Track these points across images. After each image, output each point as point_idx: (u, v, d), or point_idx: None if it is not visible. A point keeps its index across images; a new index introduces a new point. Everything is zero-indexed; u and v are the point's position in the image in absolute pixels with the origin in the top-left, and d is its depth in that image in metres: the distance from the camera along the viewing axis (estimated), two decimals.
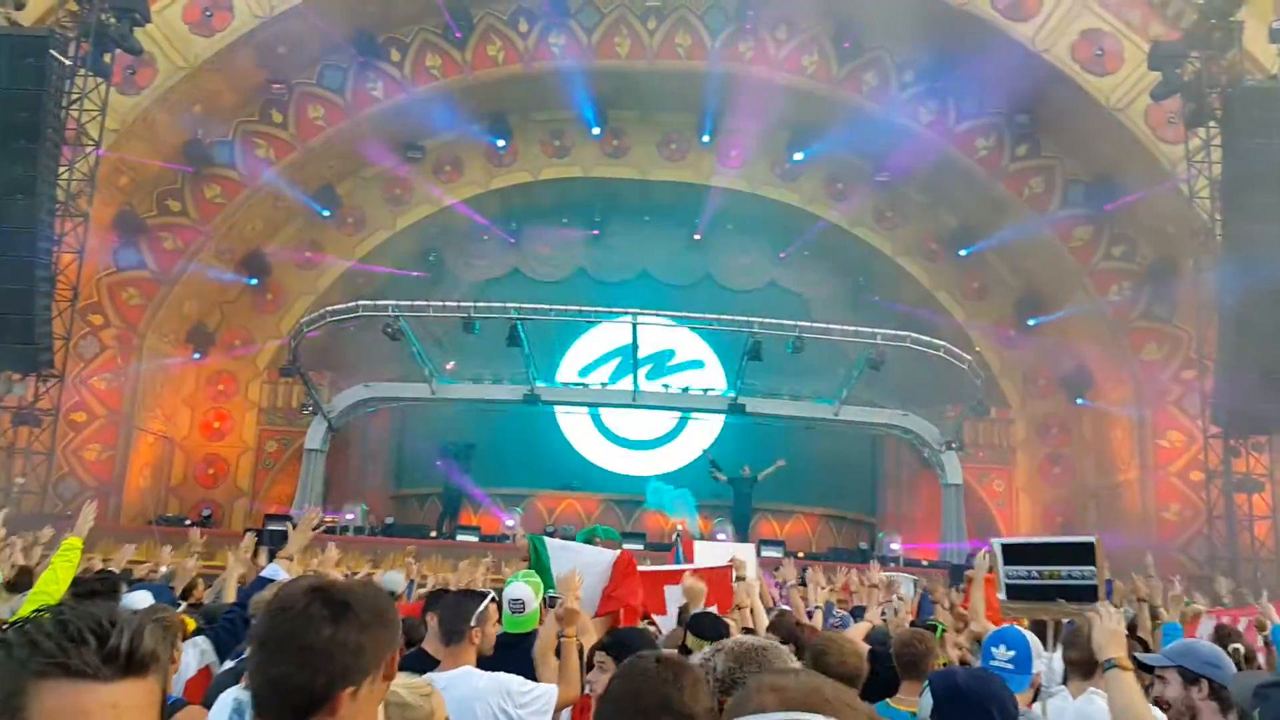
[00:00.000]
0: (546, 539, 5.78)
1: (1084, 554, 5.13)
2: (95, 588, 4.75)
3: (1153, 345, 18.29)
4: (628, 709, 1.81)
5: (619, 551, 5.57)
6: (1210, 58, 15.33)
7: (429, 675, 3.34)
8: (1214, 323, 15.55)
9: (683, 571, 6.46)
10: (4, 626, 1.23)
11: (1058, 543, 5.48)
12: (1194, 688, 3.04)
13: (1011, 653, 3.40)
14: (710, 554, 8.76)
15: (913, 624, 5.99)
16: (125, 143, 17.26)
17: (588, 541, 10.71)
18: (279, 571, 4.45)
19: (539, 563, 5.52)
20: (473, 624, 3.59)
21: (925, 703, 2.66)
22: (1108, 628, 3.01)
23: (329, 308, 17.76)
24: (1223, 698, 2.90)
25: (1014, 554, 5.36)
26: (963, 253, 19.87)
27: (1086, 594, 4.91)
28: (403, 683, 2.42)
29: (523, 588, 4.41)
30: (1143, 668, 3.25)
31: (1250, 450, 16.05)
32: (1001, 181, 18.50)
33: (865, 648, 4.20)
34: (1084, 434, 20.01)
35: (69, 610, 1.19)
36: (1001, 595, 5.37)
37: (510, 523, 18.12)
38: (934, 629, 4.68)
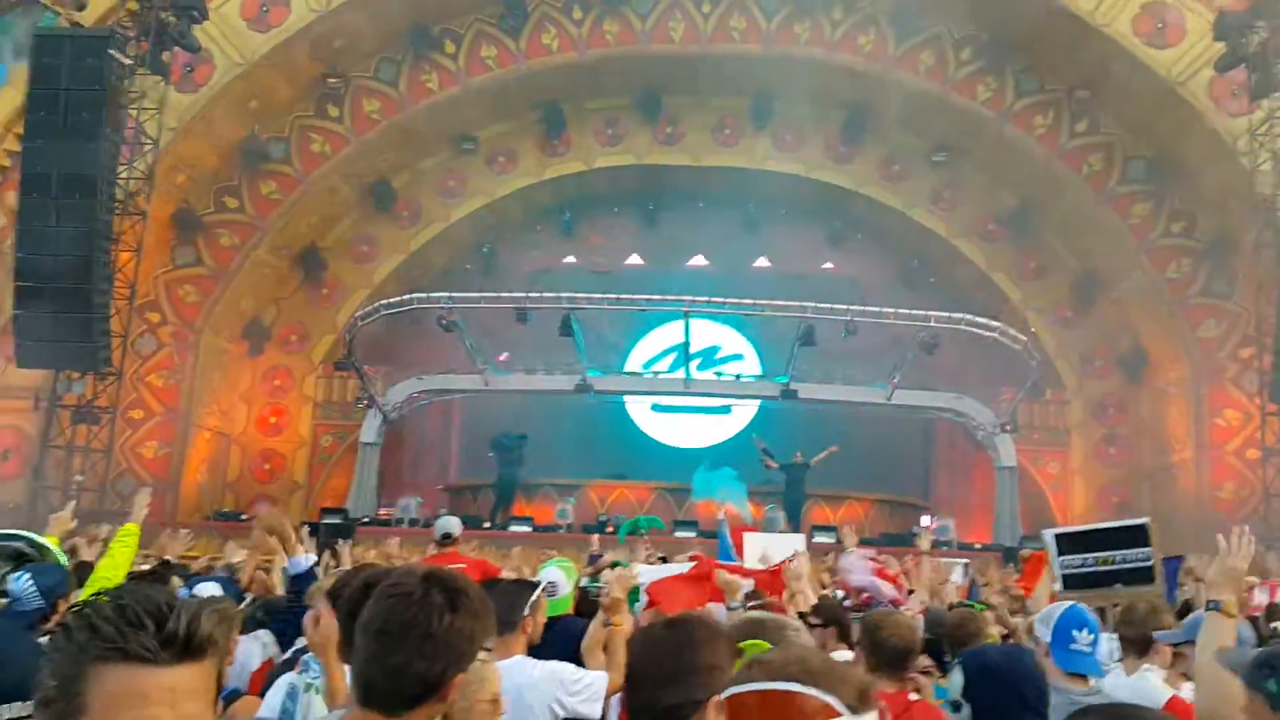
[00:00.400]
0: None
1: (1138, 536, 5.10)
2: (150, 576, 4.81)
3: (1211, 322, 18.17)
4: (647, 674, 1.79)
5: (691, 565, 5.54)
6: (1277, 27, 15.21)
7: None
8: (1273, 299, 15.42)
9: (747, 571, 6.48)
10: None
11: (1110, 528, 5.42)
12: None
13: (1091, 636, 3.33)
14: (759, 546, 8.80)
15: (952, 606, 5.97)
16: (183, 140, 17.35)
17: (632, 532, 10.75)
18: (303, 563, 4.50)
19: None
20: (526, 613, 3.63)
21: (956, 680, 2.62)
22: (1229, 564, 2.79)
23: (383, 300, 17.83)
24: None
25: (1067, 543, 5.32)
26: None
27: (1143, 576, 4.89)
28: None
29: (556, 571, 4.52)
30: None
31: None
32: (1060, 159, 18.39)
33: (918, 622, 4.22)
34: (1140, 414, 19.91)
35: (128, 595, 1.21)
36: (1058, 586, 5.33)
37: (564, 510, 18.18)
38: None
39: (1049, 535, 5.51)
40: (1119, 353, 19.88)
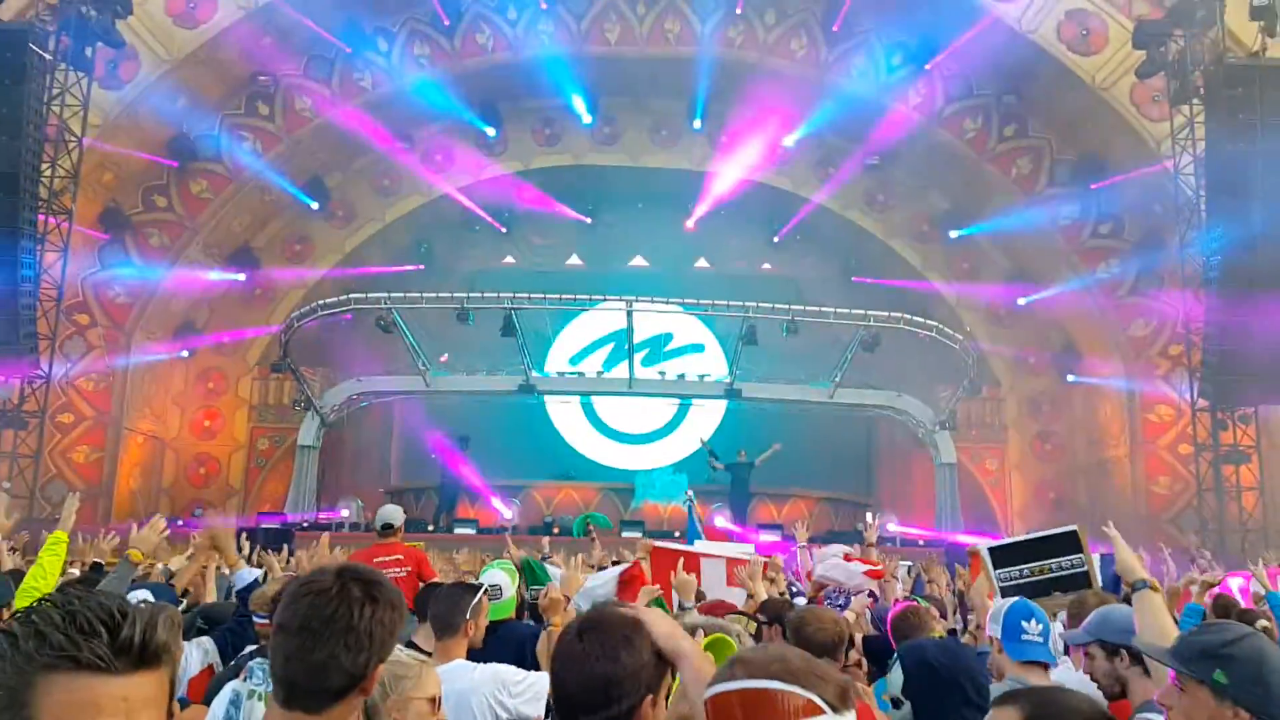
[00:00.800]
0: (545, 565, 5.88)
1: (1069, 543, 5.19)
2: (81, 582, 4.73)
3: (1140, 321, 18.57)
4: (569, 694, 1.75)
5: (627, 564, 5.56)
6: (1193, 35, 15.56)
7: None
8: (1200, 298, 15.78)
9: (698, 555, 6.51)
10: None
11: (1041, 537, 5.51)
12: (1116, 658, 3.01)
13: (1040, 625, 3.40)
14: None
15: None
16: (109, 138, 17.00)
17: (582, 530, 10.72)
18: (247, 575, 4.48)
19: (535, 578, 5.58)
20: (467, 616, 3.62)
21: (895, 677, 2.64)
22: (1128, 556, 2.98)
23: (320, 301, 17.64)
24: (1146, 663, 2.83)
25: (1001, 556, 5.40)
26: (954, 234, 20.06)
27: (1080, 581, 4.97)
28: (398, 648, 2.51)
29: (499, 574, 4.49)
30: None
31: (1237, 422, 16.33)
32: (989, 163, 18.69)
33: (845, 617, 4.33)
34: (1074, 411, 20.30)
35: (78, 600, 1.15)
36: (997, 598, 5.42)
37: (508, 514, 18.11)
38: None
39: (984, 549, 5.58)
40: (1052, 350, 20.24)
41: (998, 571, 5.29)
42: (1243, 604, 6.50)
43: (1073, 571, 5.06)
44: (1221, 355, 15.17)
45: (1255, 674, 2.02)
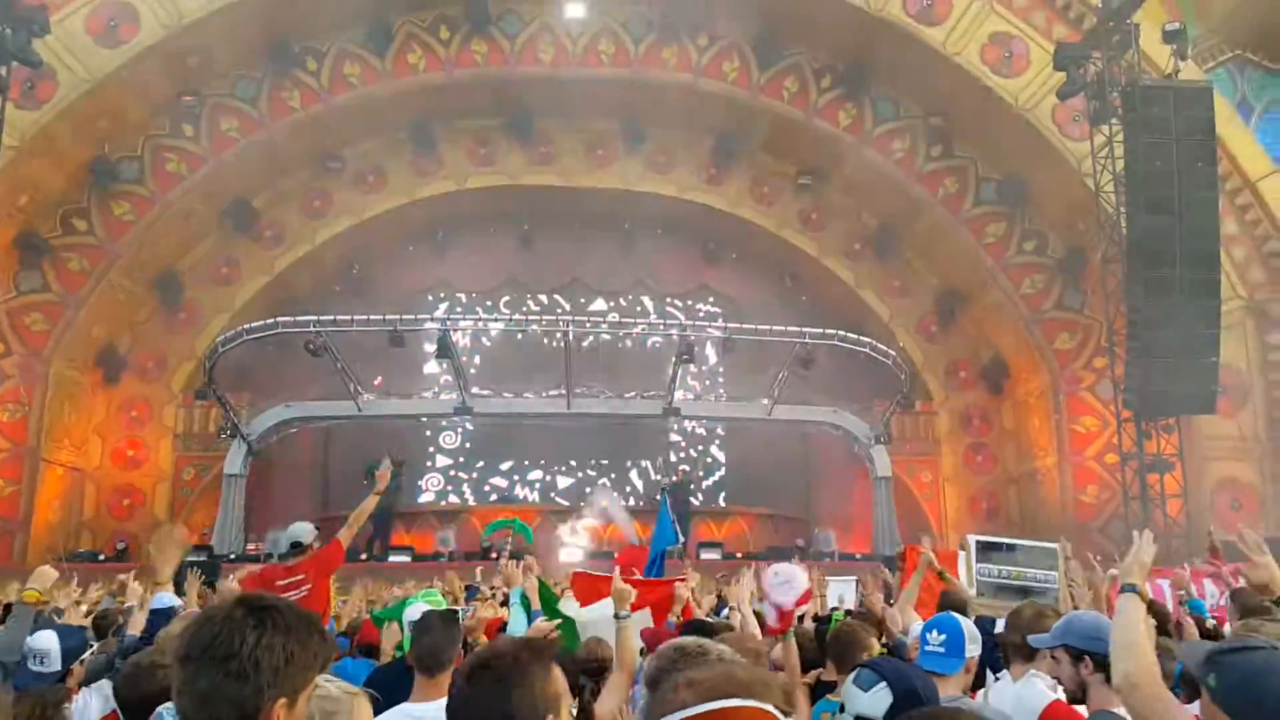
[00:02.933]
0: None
1: (1048, 558, 5.29)
2: None
3: (1065, 335, 19.08)
4: None
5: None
6: (1110, 58, 16.14)
7: (406, 708, 3.26)
8: (1122, 312, 16.26)
9: (639, 583, 6.47)
10: None
11: (1026, 545, 5.62)
12: (1080, 664, 3.06)
13: (943, 637, 3.56)
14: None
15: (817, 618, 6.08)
16: (25, 160, 16.45)
17: (497, 532, 10.47)
18: (166, 599, 4.28)
19: (550, 606, 5.44)
20: (458, 649, 3.53)
21: (875, 700, 2.56)
22: (1141, 559, 2.91)
23: (246, 325, 17.19)
24: (1108, 670, 2.85)
25: (985, 552, 5.49)
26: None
27: (1046, 597, 5.06)
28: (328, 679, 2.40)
29: (424, 607, 4.37)
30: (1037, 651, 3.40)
31: (1161, 432, 16.78)
32: (918, 182, 19.07)
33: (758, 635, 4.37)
34: (1004, 423, 20.75)
35: None
36: (972, 591, 5.50)
37: (445, 538, 17.82)
38: (829, 619, 4.79)
39: (971, 540, 5.64)
40: (981, 365, 20.70)
41: (978, 565, 5.35)
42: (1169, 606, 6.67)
43: (1045, 585, 5.15)
44: (1144, 367, 15.61)
45: (1246, 683, 2.05)
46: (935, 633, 3.59)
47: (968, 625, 3.70)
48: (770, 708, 1.24)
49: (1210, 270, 15.36)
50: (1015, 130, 17.80)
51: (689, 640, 2.58)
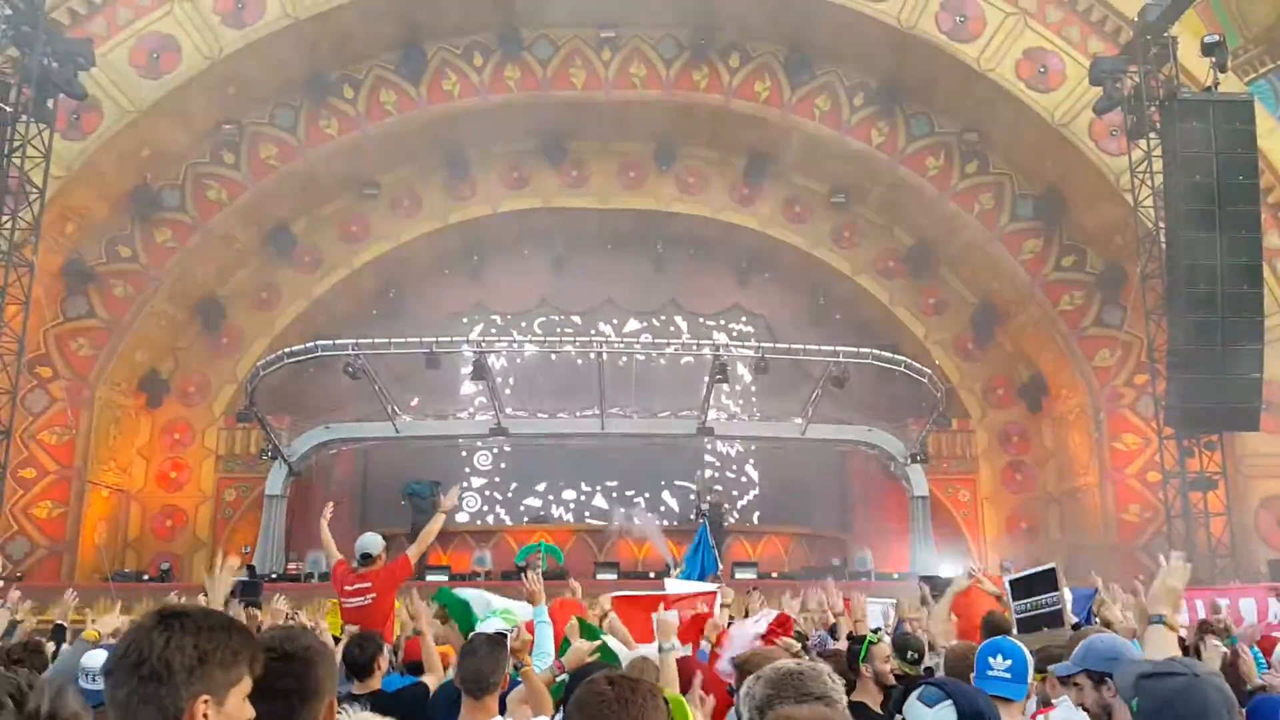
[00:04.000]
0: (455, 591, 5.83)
1: (1049, 580, 5.26)
2: (19, 655, 4.71)
3: (1105, 352, 18.79)
4: None
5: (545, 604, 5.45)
6: (1148, 72, 15.93)
7: None
8: (1163, 328, 16.01)
9: (660, 599, 6.47)
10: None
11: (1033, 574, 5.61)
12: (1103, 687, 3.02)
13: (1008, 662, 3.44)
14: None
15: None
16: (71, 189, 16.89)
17: (529, 555, 10.60)
18: None
19: (460, 613, 5.50)
20: (505, 672, 3.56)
21: (943, 717, 2.55)
22: (1169, 584, 2.85)
23: (286, 349, 17.49)
24: None
25: (1016, 589, 5.49)
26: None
27: (1056, 620, 5.01)
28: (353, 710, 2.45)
29: (500, 624, 4.39)
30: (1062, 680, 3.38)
31: (1203, 449, 16.45)
32: (952, 199, 18.93)
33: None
34: (1043, 441, 20.46)
35: None
36: (1014, 631, 5.48)
37: (483, 558, 17.93)
38: (863, 640, 4.73)
39: (1006, 581, 5.66)
40: (1019, 383, 20.45)
41: (1015, 603, 5.35)
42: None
43: (1052, 609, 5.12)
44: (1185, 384, 15.34)
45: (1161, 709, 2.09)
46: (1000, 657, 3.46)
47: (1027, 652, 3.66)
48: None
49: (1254, 285, 15.06)
50: (1051, 145, 17.62)
51: (807, 666, 2.52)
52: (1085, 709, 3.09)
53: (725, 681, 4.21)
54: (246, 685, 1.69)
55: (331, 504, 7.97)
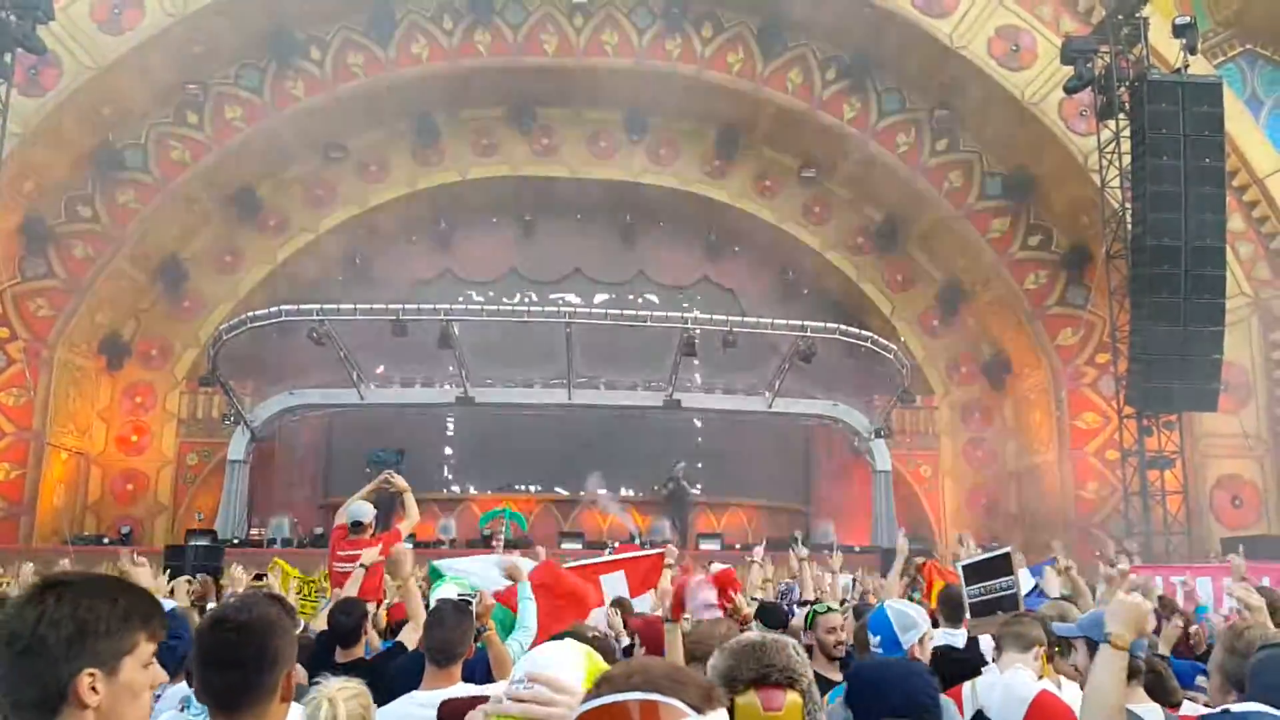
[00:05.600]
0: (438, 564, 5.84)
1: (1004, 565, 5.35)
2: None
3: (1068, 331, 18.99)
4: None
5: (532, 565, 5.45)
6: (1119, 52, 16.00)
7: (415, 696, 3.31)
8: (1126, 308, 16.17)
9: (614, 562, 6.50)
10: None
11: (989, 557, 5.70)
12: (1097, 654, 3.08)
13: (877, 637, 3.72)
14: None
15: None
16: (29, 147, 16.51)
17: (492, 521, 10.60)
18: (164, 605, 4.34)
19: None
20: (470, 641, 3.56)
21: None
22: (1128, 603, 2.68)
23: (250, 313, 17.27)
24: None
25: (969, 574, 5.57)
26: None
27: (1009, 604, 5.10)
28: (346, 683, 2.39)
29: (454, 589, 4.40)
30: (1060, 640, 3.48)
31: (1162, 428, 16.73)
32: (922, 175, 18.97)
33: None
34: (1005, 418, 20.70)
35: None
36: (968, 615, 5.57)
37: (446, 526, 17.93)
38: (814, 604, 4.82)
39: (958, 567, 5.77)
40: (983, 360, 20.64)
41: (968, 588, 5.45)
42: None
43: (1006, 593, 5.21)
44: (1147, 364, 15.54)
45: None
46: (877, 637, 3.72)
47: (905, 614, 3.77)
48: (677, 703, 1.25)
49: (1216, 267, 15.28)
50: (1022, 124, 17.69)
51: (769, 637, 2.53)
52: (1081, 672, 3.18)
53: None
54: (145, 651, 1.63)
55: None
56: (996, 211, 18.99)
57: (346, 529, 7.30)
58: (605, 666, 1.56)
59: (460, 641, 3.49)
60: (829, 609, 4.61)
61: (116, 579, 1.67)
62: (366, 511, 7.30)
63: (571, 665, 1.53)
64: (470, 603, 3.87)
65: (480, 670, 3.93)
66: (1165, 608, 6.15)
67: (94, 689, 1.54)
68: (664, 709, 1.25)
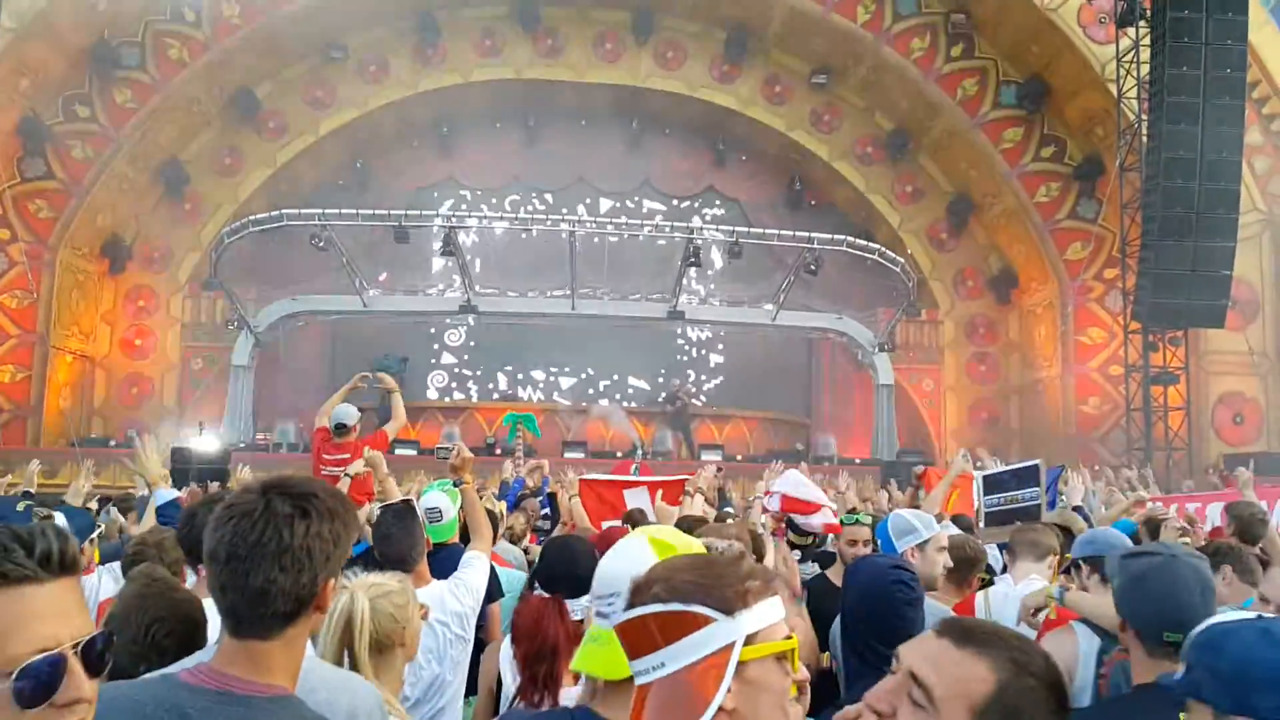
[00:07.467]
0: None
1: (1030, 476, 5.40)
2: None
3: (1077, 245, 18.76)
4: None
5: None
6: None
7: None
8: (1138, 222, 15.94)
9: (641, 482, 6.52)
10: None
11: (1014, 469, 5.77)
12: (1095, 574, 3.15)
13: (878, 543, 3.80)
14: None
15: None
16: (24, 43, 16.17)
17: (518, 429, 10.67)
18: (165, 494, 4.35)
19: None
20: (424, 540, 3.56)
21: None
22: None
23: (251, 217, 17.12)
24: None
25: (988, 485, 5.63)
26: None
27: (1033, 514, 5.16)
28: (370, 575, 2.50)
29: (440, 496, 4.32)
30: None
31: (1168, 344, 16.68)
32: (936, 83, 18.52)
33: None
34: (1009, 333, 20.62)
35: None
36: (981, 524, 5.61)
37: (451, 434, 18.05)
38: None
39: (978, 478, 5.82)
40: (990, 274, 20.46)
41: (985, 498, 5.50)
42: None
43: (1030, 504, 5.30)
44: (1156, 279, 15.36)
45: (1132, 588, 2.21)
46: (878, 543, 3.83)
47: (895, 518, 3.76)
48: (700, 609, 1.21)
49: (1231, 181, 14.97)
50: (1039, 31, 17.21)
51: (723, 548, 2.54)
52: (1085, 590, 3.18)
53: None
54: None
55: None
56: (1010, 121, 18.59)
57: (329, 432, 7.25)
58: (675, 548, 1.55)
59: (412, 546, 3.48)
60: (857, 520, 4.57)
61: (337, 491, 1.71)
62: (351, 414, 7.20)
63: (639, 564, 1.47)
64: (412, 503, 3.84)
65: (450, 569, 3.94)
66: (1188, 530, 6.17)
67: (328, 594, 1.65)
68: (685, 618, 1.21)
